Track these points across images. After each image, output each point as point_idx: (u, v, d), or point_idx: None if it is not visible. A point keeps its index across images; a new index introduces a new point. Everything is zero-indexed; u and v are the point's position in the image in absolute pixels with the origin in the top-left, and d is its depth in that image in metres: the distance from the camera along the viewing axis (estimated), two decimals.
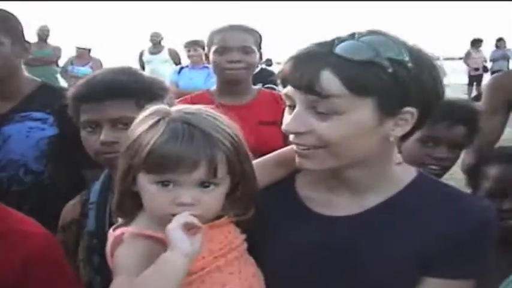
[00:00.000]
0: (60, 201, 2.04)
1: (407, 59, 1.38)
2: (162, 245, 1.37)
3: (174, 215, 1.37)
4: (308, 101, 1.40)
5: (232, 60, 2.96)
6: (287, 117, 1.45)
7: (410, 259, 1.46)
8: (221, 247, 1.48)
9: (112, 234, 1.46)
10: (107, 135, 1.80)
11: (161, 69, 9.85)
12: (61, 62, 11.13)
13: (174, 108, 1.47)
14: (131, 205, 1.48)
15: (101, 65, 10.23)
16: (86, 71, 9.51)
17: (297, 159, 1.49)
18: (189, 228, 1.34)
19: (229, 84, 3.07)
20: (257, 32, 3.11)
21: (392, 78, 1.37)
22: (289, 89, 1.44)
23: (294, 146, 1.48)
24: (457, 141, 2.28)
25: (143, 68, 10.51)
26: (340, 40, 1.41)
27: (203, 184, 1.40)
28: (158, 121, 1.41)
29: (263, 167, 1.60)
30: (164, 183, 1.39)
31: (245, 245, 1.55)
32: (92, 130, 1.85)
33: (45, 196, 2.32)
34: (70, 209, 1.97)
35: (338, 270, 1.49)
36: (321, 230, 1.54)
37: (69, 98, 1.87)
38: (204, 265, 1.43)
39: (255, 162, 1.55)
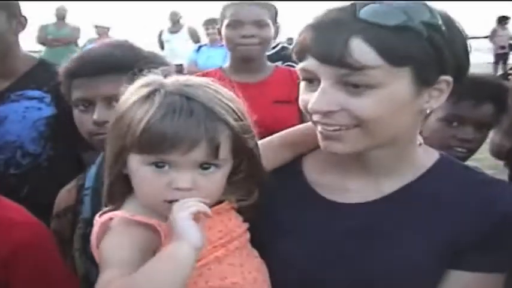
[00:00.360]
0: (59, 184, 1.93)
1: (440, 22, 1.27)
2: (155, 233, 1.24)
3: (169, 201, 1.23)
4: (337, 75, 1.25)
5: (246, 35, 2.84)
6: (308, 95, 1.30)
7: (432, 250, 1.34)
8: (220, 236, 1.33)
9: (98, 220, 1.30)
10: (100, 114, 1.67)
11: (180, 48, 9.79)
12: (80, 42, 11.06)
13: (170, 80, 1.32)
14: (123, 191, 1.33)
15: None
16: None
17: (324, 142, 1.34)
18: (196, 218, 1.20)
19: (243, 61, 2.95)
20: (272, 5, 2.98)
21: (428, 44, 1.25)
22: (310, 62, 1.28)
23: (318, 127, 1.33)
24: (484, 121, 2.12)
25: (162, 47, 10.43)
26: (363, 4, 1.26)
27: (203, 166, 1.25)
28: (152, 93, 1.26)
29: (268, 148, 1.46)
30: (159, 165, 1.24)
31: (248, 235, 1.40)
32: (84, 109, 1.73)
33: (43, 179, 2.22)
34: (65, 195, 1.86)
35: (353, 261, 1.36)
36: (333, 219, 1.41)
37: (61, 74, 1.76)
38: (201, 256, 1.27)
39: (261, 142, 1.41)
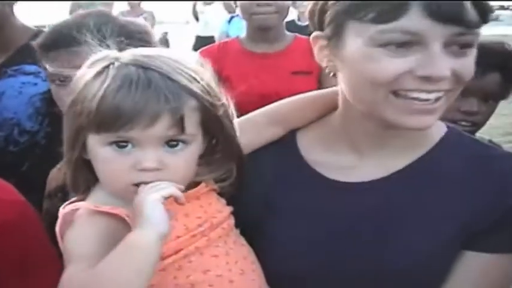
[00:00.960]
0: (58, 162, 1.81)
1: None
2: (123, 224, 1.14)
3: (136, 184, 1.13)
4: (449, 34, 1.13)
5: (261, 3, 2.73)
6: (394, 62, 1.14)
7: (446, 232, 1.24)
8: (199, 223, 1.21)
9: (62, 212, 1.21)
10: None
11: (215, 20, 9.63)
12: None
13: (126, 52, 1.21)
14: (87, 178, 1.23)
15: (153, 17, 10.08)
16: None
17: (411, 118, 1.17)
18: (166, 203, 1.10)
19: (259, 31, 2.86)
20: None
21: None
22: (416, 21, 1.11)
23: (407, 102, 1.16)
24: (489, 92, 1.98)
25: (197, 18, 10.34)
26: None
27: (169, 143, 1.15)
28: (107, 67, 1.16)
29: (255, 124, 1.36)
30: (120, 144, 1.14)
31: (232, 220, 1.29)
32: (61, 83, 1.66)
33: (42, 157, 2.13)
34: (55, 174, 1.77)
35: (360, 246, 1.25)
36: (337, 200, 1.30)
37: (36, 48, 1.69)
38: (180, 246, 1.17)
39: (244, 118, 1.31)
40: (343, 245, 1.26)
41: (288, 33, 2.94)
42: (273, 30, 2.83)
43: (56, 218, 1.67)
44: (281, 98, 1.40)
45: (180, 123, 1.13)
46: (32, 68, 2.15)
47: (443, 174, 1.28)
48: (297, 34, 2.97)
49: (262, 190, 1.33)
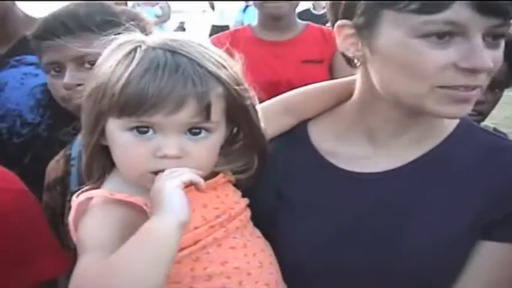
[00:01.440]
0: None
1: None
2: (140, 212, 1.09)
3: (155, 172, 1.08)
4: (488, 26, 1.10)
5: None
6: (434, 53, 1.11)
7: (462, 223, 1.22)
8: (218, 214, 1.17)
9: (75, 201, 1.15)
10: (70, 77, 1.57)
11: (230, 9, 9.61)
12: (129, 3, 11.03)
13: (153, 36, 1.17)
14: (103, 165, 1.18)
15: (169, 6, 10.07)
16: (155, 11, 9.33)
17: (453, 107, 1.15)
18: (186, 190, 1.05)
19: (271, 19, 2.81)
20: None
21: None
22: (459, 12, 1.09)
23: (450, 92, 1.13)
24: (496, 80, 1.90)
25: (213, 7, 10.33)
26: None
27: (192, 130, 1.10)
28: (132, 51, 1.11)
29: (268, 113, 1.30)
30: (141, 130, 1.09)
31: (249, 213, 1.24)
32: (56, 73, 1.64)
33: (44, 149, 2.11)
34: (53, 166, 1.75)
35: (377, 239, 1.23)
36: (350, 189, 1.28)
37: (30, 39, 1.67)
38: (198, 237, 1.13)
39: (258, 107, 1.25)
40: (354, 238, 1.24)
41: (299, 21, 2.90)
42: (284, 18, 2.77)
43: (55, 210, 1.66)
44: (292, 87, 1.37)
45: (205, 110, 1.09)
46: (33, 58, 2.12)
47: (456, 165, 1.26)
48: (309, 23, 2.92)
49: (274, 181, 1.30)
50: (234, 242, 1.17)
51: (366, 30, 1.17)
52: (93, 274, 1.02)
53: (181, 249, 1.09)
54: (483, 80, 1.14)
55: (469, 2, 1.07)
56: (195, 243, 1.12)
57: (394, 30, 1.13)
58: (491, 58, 1.11)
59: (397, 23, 1.12)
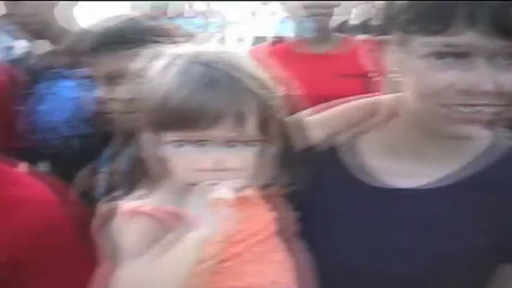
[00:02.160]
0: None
1: None
2: (166, 224, 1.11)
3: (192, 184, 1.09)
4: (494, 48, 1.11)
5: (308, 4, 2.68)
6: (448, 73, 1.13)
7: (493, 242, 1.23)
8: (242, 229, 1.17)
9: (102, 209, 1.20)
10: (102, 92, 1.62)
11: (269, 20, 9.64)
12: None
13: (187, 48, 1.18)
14: (137, 176, 1.20)
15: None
16: (197, 22, 9.43)
17: (455, 128, 1.18)
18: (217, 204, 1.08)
19: (307, 32, 2.80)
20: None
21: None
22: (458, 36, 1.10)
23: (455, 109, 1.15)
24: None
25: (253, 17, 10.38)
26: None
27: (228, 143, 1.11)
28: (169, 64, 1.12)
29: (303, 126, 1.32)
30: (178, 144, 1.10)
31: (274, 227, 1.24)
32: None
33: (76, 161, 2.14)
34: (81, 179, 1.77)
35: (406, 254, 1.24)
36: (380, 206, 1.29)
37: (63, 53, 1.78)
38: (217, 252, 1.13)
39: (292, 119, 1.26)
40: (385, 252, 1.25)
41: (336, 34, 2.88)
42: (321, 31, 2.78)
43: (86, 223, 1.68)
44: (327, 100, 1.39)
45: (241, 124, 1.10)
46: (69, 71, 2.18)
47: (489, 183, 1.26)
48: (346, 35, 2.92)
49: (317, 193, 1.29)
50: (252, 256, 1.18)
51: (402, 48, 1.19)
52: (115, 281, 1.08)
53: (201, 262, 1.10)
54: (488, 102, 1.13)
55: (470, 25, 1.08)
56: (214, 256, 1.13)
57: (399, 49, 1.17)
58: (495, 79, 1.11)
59: (402, 43, 1.16)
